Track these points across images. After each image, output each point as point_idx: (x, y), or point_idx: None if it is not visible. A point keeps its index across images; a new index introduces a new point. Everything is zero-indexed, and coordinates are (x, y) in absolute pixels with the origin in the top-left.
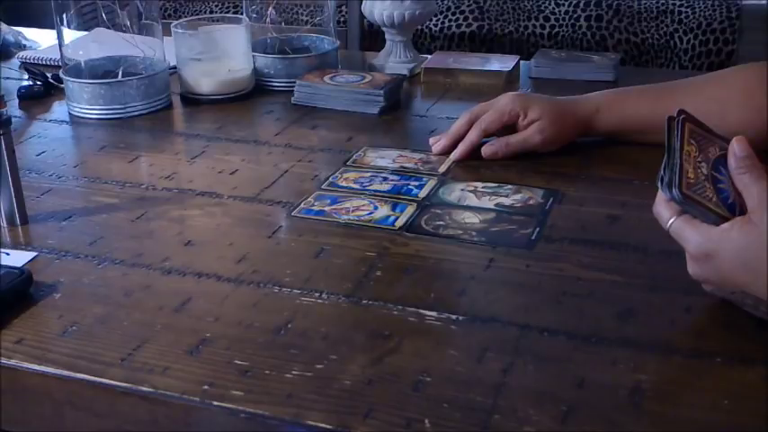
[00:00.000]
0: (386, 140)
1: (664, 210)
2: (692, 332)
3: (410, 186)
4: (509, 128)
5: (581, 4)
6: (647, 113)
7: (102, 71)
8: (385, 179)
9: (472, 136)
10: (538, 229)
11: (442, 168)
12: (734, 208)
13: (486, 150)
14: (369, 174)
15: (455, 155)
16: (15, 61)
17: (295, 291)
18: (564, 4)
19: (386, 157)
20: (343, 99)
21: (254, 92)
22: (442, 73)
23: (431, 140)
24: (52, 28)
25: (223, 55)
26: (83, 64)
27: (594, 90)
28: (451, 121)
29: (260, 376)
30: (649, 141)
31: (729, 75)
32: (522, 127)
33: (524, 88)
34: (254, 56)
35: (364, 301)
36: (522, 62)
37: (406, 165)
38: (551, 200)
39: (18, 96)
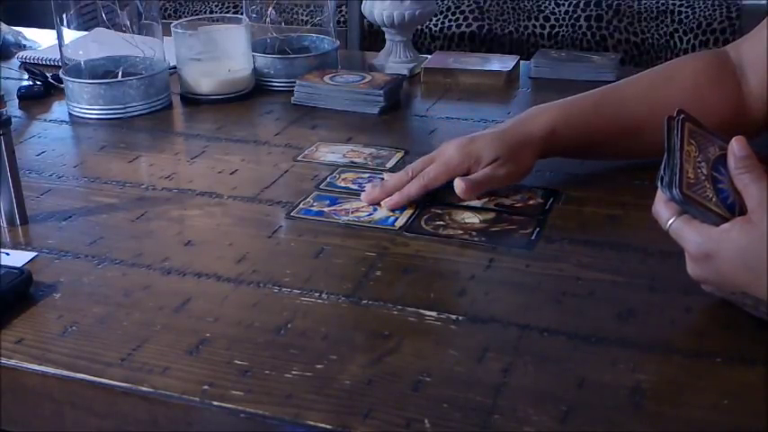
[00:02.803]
0: (386, 140)
1: (663, 210)
2: (692, 332)
3: None
4: None
5: (581, 4)
6: (605, 124)
7: (102, 71)
8: (383, 180)
9: (411, 189)
10: (538, 229)
11: (390, 164)
12: (734, 208)
13: (461, 190)
14: (367, 174)
15: (387, 203)
16: (15, 61)
17: (295, 291)
18: (564, 4)
19: (336, 152)
20: (343, 99)
21: (254, 92)
22: (442, 73)
23: (367, 189)
24: (52, 28)
25: (223, 55)
26: (83, 64)
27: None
28: (451, 122)
29: (260, 376)
30: (605, 155)
31: (676, 71)
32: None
33: (524, 89)
34: (254, 56)
35: (364, 301)
36: (522, 62)
37: (356, 159)
38: (551, 200)
39: (18, 96)
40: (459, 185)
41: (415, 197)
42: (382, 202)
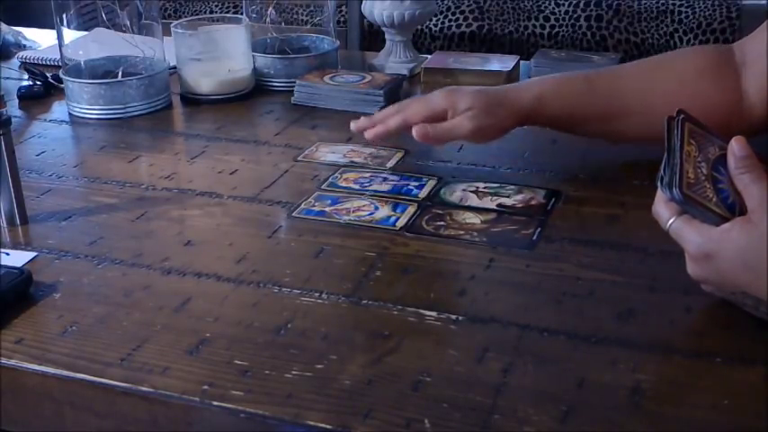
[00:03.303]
0: (386, 140)
1: (663, 210)
2: (692, 332)
3: (410, 186)
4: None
5: (581, 4)
6: (596, 101)
7: (102, 71)
8: (385, 179)
9: (391, 122)
10: (539, 229)
11: (390, 164)
12: (734, 208)
13: (416, 130)
14: (368, 174)
15: (369, 134)
16: (15, 61)
17: (295, 291)
18: (564, 4)
19: (336, 152)
20: (343, 99)
21: (254, 92)
22: (442, 73)
23: (361, 119)
24: (52, 28)
25: (223, 55)
26: (83, 64)
27: None
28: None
29: (260, 376)
30: (591, 133)
31: (678, 61)
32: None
33: None
34: (254, 56)
35: (364, 301)
36: (522, 62)
37: (356, 159)
38: (553, 200)
39: (18, 96)
40: (415, 129)
41: (394, 130)
42: (365, 133)
